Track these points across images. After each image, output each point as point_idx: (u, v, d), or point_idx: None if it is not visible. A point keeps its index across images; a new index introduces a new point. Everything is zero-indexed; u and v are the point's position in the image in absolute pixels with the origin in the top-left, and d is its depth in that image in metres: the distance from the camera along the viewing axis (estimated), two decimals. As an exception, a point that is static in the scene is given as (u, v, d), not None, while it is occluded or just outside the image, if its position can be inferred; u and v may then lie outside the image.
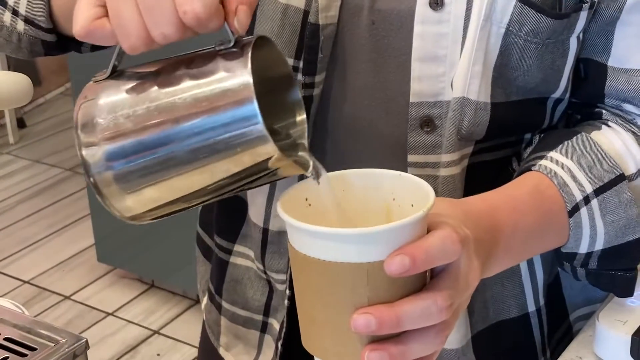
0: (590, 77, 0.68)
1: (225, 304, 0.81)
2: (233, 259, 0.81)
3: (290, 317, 0.74)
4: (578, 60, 0.67)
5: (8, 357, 0.63)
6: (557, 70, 0.67)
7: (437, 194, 0.67)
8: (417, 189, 0.50)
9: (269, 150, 0.46)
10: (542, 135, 0.69)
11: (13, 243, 2.48)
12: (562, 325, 0.76)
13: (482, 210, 0.57)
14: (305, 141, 0.53)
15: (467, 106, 0.64)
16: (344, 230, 0.46)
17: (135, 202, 0.50)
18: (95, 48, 0.73)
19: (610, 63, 0.67)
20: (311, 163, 0.51)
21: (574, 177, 0.63)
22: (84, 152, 0.49)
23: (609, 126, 0.67)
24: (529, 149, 0.69)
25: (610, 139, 0.66)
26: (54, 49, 0.72)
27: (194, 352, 2.03)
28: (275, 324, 0.76)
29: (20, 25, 0.70)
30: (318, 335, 0.49)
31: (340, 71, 0.68)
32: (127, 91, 0.49)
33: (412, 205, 0.50)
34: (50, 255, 2.43)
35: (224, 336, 0.84)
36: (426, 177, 0.66)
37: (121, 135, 0.48)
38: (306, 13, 0.65)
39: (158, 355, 2.03)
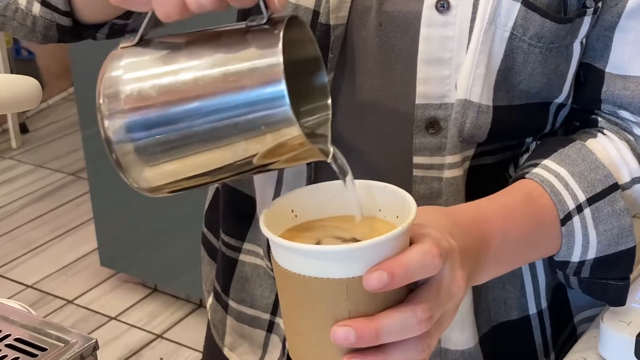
0: (589, 82, 0.68)
1: (232, 303, 0.82)
2: (242, 257, 0.80)
3: None
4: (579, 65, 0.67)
5: (19, 358, 0.63)
6: (560, 75, 0.67)
7: (441, 196, 0.67)
8: (401, 201, 0.50)
9: (293, 132, 0.45)
10: (538, 142, 0.69)
11: (16, 247, 2.49)
12: (566, 327, 0.76)
13: (472, 219, 0.57)
14: (329, 127, 0.52)
15: (470, 109, 0.64)
16: (323, 248, 0.46)
17: (155, 175, 0.49)
18: (111, 35, 0.72)
19: (607, 69, 0.67)
20: (331, 150, 0.50)
21: (567, 185, 0.62)
22: (107, 122, 0.48)
23: (604, 134, 0.67)
24: (525, 156, 0.68)
25: (605, 147, 0.65)
26: (68, 34, 0.71)
27: (197, 356, 2.03)
28: (282, 323, 0.76)
29: (36, 8, 0.69)
30: (301, 346, 0.49)
31: (348, 72, 0.68)
32: (154, 60, 0.48)
33: (397, 217, 0.50)
34: (53, 259, 2.44)
35: (229, 335, 0.84)
36: (431, 179, 0.66)
37: (145, 105, 0.47)
38: (316, 13, 0.65)
39: (161, 359, 2.02)
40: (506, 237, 0.58)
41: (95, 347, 0.66)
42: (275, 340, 0.80)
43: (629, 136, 0.67)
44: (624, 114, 0.68)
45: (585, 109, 0.70)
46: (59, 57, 3.13)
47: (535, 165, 0.63)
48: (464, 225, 0.55)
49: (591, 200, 0.63)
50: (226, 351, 0.84)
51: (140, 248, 2.18)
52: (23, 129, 3.12)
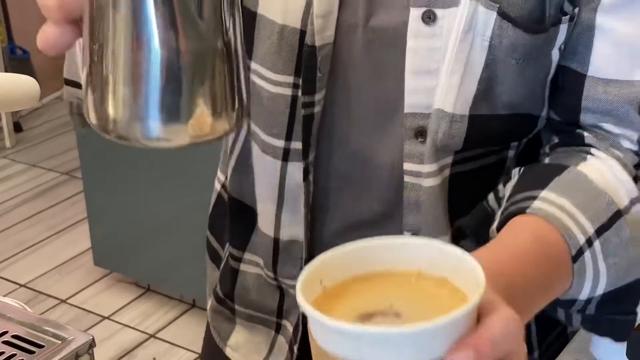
0: (567, 87, 0.67)
1: (238, 307, 0.82)
2: (243, 267, 0.81)
3: (305, 320, 0.71)
4: (556, 68, 0.66)
5: (16, 355, 0.63)
6: (540, 84, 0.66)
7: (419, 205, 0.66)
8: (442, 257, 0.44)
9: None
10: (521, 170, 0.66)
11: (9, 246, 2.47)
12: (556, 327, 0.75)
13: (494, 270, 0.52)
14: None
15: (443, 118, 0.64)
16: (396, 330, 0.39)
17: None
18: None
19: (589, 72, 0.65)
20: None
21: (573, 217, 0.59)
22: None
23: (592, 154, 0.64)
24: (510, 185, 0.66)
25: (599, 169, 0.63)
26: None
27: (190, 356, 2.02)
28: (288, 325, 0.76)
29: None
30: None
31: (339, 88, 0.69)
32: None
33: (438, 275, 0.44)
34: (46, 258, 2.43)
35: (234, 336, 0.84)
36: (419, 187, 0.66)
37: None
38: (303, 33, 0.65)
39: (154, 359, 2.01)
40: (527, 286, 0.54)
41: (92, 344, 0.66)
42: (281, 341, 0.79)
43: (617, 152, 0.65)
44: (607, 126, 0.66)
45: (567, 122, 0.67)
46: (53, 57, 3.16)
47: (533, 198, 0.60)
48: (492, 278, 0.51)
49: (599, 232, 0.59)
50: (228, 351, 0.84)
51: (133, 247, 2.19)
52: (17, 128, 3.12)
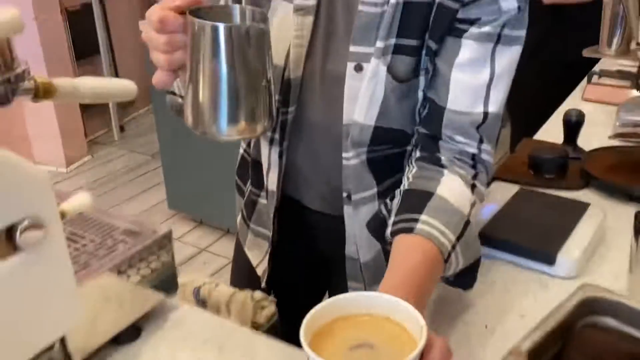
0: (433, 115, 0.76)
1: (252, 225, 0.96)
2: (260, 200, 0.94)
3: (280, 228, 0.91)
4: (426, 100, 0.76)
5: (124, 239, 0.71)
6: (412, 113, 0.77)
7: (349, 177, 0.81)
8: (389, 305, 0.50)
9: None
10: (402, 192, 0.73)
11: (117, 200, 2.91)
12: None
13: (406, 287, 0.60)
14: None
15: (358, 125, 0.76)
16: None
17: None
18: None
19: (447, 106, 0.74)
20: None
21: (443, 233, 0.67)
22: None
23: (444, 175, 0.72)
24: (395, 203, 0.73)
25: (451, 189, 0.71)
26: None
27: (224, 262, 2.36)
28: (271, 244, 0.92)
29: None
30: None
31: (304, 105, 0.80)
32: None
33: (387, 317, 0.51)
34: (139, 205, 2.84)
35: (248, 241, 0.99)
36: (348, 165, 0.80)
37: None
38: (285, 66, 0.77)
39: (205, 263, 2.40)
40: (425, 289, 0.63)
41: (171, 235, 0.74)
42: (269, 249, 0.95)
43: (461, 171, 0.73)
44: (458, 137, 0.75)
45: (432, 134, 0.76)
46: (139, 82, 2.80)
47: (415, 220, 0.67)
48: (407, 291, 0.58)
49: (458, 239, 0.68)
50: (246, 250, 1.00)
51: (191, 197, 2.55)
52: (122, 129, 3.63)
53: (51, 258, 0.58)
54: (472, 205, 0.72)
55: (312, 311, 0.48)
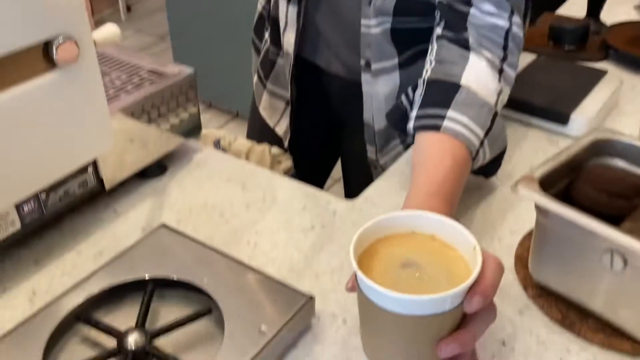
0: None
1: (269, 85, 0.96)
2: (279, 60, 0.93)
3: (296, 85, 0.91)
4: None
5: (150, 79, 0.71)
6: None
7: (370, 45, 0.80)
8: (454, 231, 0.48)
9: None
10: (425, 81, 0.68)
11: None
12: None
13: (441, 196, 0.58)
14: None
15: None
16: (421, 298, 0.43)
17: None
18: None
19: None
20: None
21: (471, 130, 0.64)
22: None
23: (469, 60, 0.68)
24: (418, 94, 0.69)
25: (477, 76, 0.66)
26: None
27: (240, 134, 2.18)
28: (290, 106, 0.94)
29: None
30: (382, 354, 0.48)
31: None
32: None
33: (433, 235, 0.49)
34: None
35: (263, 101, 0.99)
36: (369, 34, 0.79)
37: None
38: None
39: (223, 136, 2.18)
40: (456, 194, 0.61)
41: (195, 78, 0.74)
42: (287, 111, 0.96)
43: (488, 54, 0.69)
44: (487, 7, 0.70)
45: (459, 6, 0.71)
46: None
47: (442, 117, 0.64)
48: (449, 209, 0.57)
49: (486, 134, 0.66)
50: (260, 110, 1.01)
51: (204, 76, 2.49)
52: (128, 9, 3.64)
53: (85, 79, 0.61)
54: (499, 93, 0.68)
55: (358, 232, 0.47)
